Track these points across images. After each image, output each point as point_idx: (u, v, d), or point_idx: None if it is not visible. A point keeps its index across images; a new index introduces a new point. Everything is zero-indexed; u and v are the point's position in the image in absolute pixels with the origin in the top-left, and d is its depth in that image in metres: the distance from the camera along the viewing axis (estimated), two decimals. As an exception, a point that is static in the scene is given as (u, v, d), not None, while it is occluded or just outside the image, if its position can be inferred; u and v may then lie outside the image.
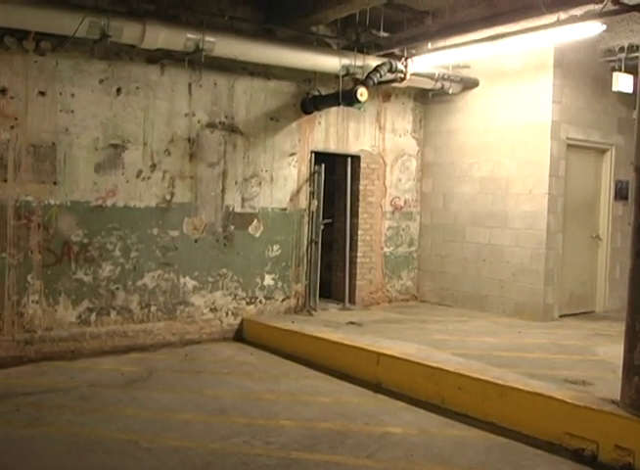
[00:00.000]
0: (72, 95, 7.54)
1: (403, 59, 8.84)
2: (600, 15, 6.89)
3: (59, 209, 7.52)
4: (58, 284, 7.53)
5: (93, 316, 7.79)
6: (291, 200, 9.31)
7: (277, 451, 4.95)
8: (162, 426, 5.40)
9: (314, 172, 9.48)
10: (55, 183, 7.47)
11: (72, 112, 7.55)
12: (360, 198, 10.06)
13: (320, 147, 9.59)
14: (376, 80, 8.60)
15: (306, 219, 9.44)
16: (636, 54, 8.38)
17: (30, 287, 7.40)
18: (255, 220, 9.00)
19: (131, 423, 5.44)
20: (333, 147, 9.73)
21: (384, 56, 8.89)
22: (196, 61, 7.98)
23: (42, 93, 7.36)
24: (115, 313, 7.96)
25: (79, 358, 7.30)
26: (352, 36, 9.00)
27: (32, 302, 7.42)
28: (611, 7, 6.68)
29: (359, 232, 10.07)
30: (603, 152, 9.88)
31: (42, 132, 7.39)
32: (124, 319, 8.01)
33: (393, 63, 8.74)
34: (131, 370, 6.91)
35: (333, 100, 8.87)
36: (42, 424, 5.36)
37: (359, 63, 8.75)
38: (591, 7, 6.82)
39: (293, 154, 9.29)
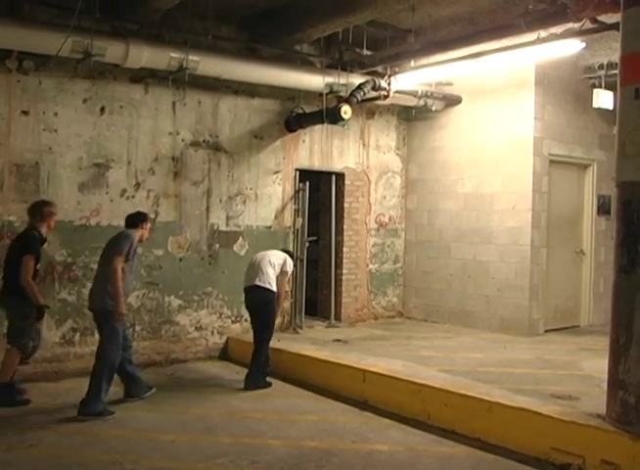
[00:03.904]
0: (56, 114, 7.53)
1: (386, 76, 8.92)
2: (579, 33, 7.00)
3: (42, 228, 7.46)
4: (41, 304, 7.45)
5: (77, 336, 7.72)
6: (275, 218, 9.31)
7: (263, 471, 4.91)
8: (148, 446, 5.34)
9: (299, 190, 9.49)
10: (38, 203, 7.43)
11: (56, 131, 7.53)
12: (345, 215, 10.07)
13: (304, 164, 9.61)
14: (359, 98, 8.66)
15: (291, 237, 9.44)
16: (615, 71, 8.44)
17: (13, 307, 7.32)
18: (240, 238, 8.98)
19: (116, 444, 5.39)
20: (317, 164, 9.76)
21: (367, 74, 8.96)
22: (180, 80, 7.99)
23: (25, 112, 7.35)
24: (100, 333, 7.89)
25: (63, 379, 7.21)
26: (336, 54, 9.06)
27: (15, 322, 7.34)
28: (589, 25, 6.80)
29: (344, 249, 10.08)
30: (585, 167, 9.97)
31: (25, 151, 7.36)
32: (109, 339, 7.93)
33: (377, 80, 8.80)
34: (115, 390, 6.80)
35: (317, 118, 8.91)
36: (25, 447, 5.28)
37: (343, 81, 8.81)
38: (570, 25, 6.93)
39: (277, 172, 9.30)
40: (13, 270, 6.41)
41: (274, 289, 7.39)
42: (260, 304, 7.37)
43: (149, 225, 6.73)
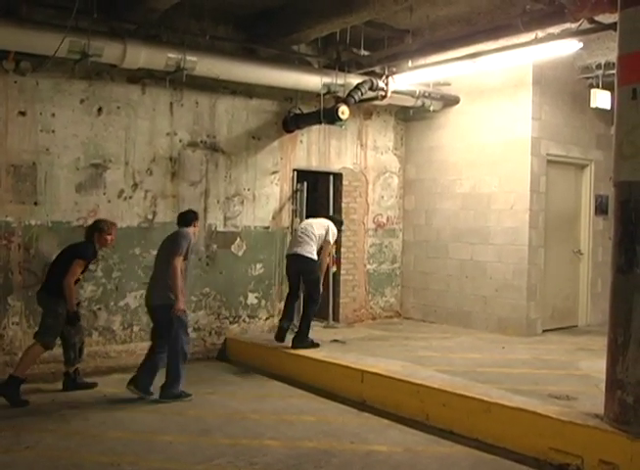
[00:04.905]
0: (53, 115, 7.51)
1: (384, 77, 8.90)
2: (577, 33, 7.00)
3: (39, 229, 7.46)
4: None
5: (75, 337, 7.70)
6: (273, 218, 9.30)
7: (262, 472, 4.90)
8: (145, 448, 5.33)
9: (296, 190, 9.49)
10: (35, 203, 7.42)
11: (53, 131, 7.52)
12: (343, 215, 10.06)
13: (302, 165, 9.60)
14: (357, 98, 8.65)
15: (289, 237, 9.42)
16: (613, 71, 8.47)
17: (11, 308, 7.32)
18: (238, 239, 8.97)
19: (114, 445, 5.38)
20: (315, 165, 9.75)
21: (364, 74, 8.95)
22: (177, 80, 7.98)
23: (22, 113, 7.33)
24: (97, 334, 7.89)
25: (61, 380, 7.19)
26: (333, 55, 9.06)
27: (13, 323, 7.34)
28: (587, 25, 6.80)
29: (342, 250, 10.07)
30: (582, 167, 9.97)
31: (22, 152, 7.34)
32: (106, 340, 7.93)
33: (374, 81, 8.79)
34: (113, 391, 6.83)
35: (314, 118, 8.91)
36: (22, 448, 5.27)
37: (340, 81, 8.80)
38: (568, 25, 6.93)
39: (275, 172, 9.30)
40: (58, 272, 6.59)
41: (315, 257, 7.91)
42: (303, 272, 7.98)
43: (198, 223, 7.09)
